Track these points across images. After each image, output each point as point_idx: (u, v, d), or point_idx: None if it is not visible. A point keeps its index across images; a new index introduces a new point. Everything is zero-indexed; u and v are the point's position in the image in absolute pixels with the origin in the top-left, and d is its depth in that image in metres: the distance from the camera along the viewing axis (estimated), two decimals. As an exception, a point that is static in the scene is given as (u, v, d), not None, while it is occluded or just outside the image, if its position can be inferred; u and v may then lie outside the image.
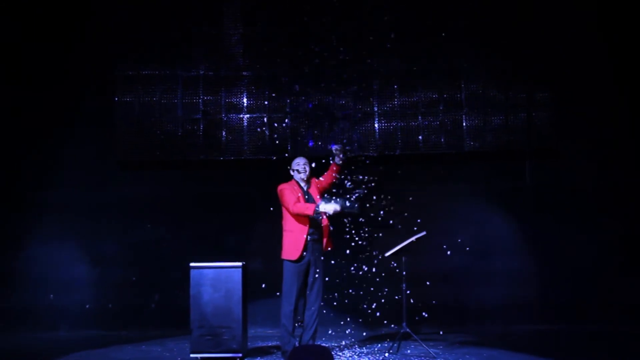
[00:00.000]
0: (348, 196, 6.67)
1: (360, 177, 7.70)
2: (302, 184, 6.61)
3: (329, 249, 6.61)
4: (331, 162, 6.71)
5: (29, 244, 8.50)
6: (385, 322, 8.03)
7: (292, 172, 6.67)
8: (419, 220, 7.76)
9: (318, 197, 6.59)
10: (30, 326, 8.30)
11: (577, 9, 8.41)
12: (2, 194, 8.51)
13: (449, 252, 8.24)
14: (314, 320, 6.53)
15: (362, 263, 8.18)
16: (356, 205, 6.68)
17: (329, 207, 6.36)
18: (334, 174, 6.67)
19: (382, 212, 8.10)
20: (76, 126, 8.56)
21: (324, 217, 6.52)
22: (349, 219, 7.73)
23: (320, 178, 6.73)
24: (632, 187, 8.36)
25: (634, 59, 8.32)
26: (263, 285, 7.66)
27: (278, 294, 6.61)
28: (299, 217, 6.45)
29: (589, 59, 8.44)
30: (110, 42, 8.51)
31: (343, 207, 6.45)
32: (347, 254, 8.00)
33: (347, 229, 7.96)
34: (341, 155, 6.58)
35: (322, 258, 6.60)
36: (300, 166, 6.61)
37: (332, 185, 6.74)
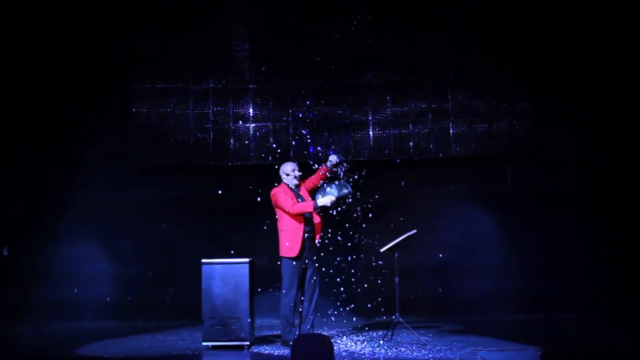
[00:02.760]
0: (336, 182, 6.61)
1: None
2: (293, 187, 6.63)
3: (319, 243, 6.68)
4: (325, 165, 6.74)
5: (56, 242, 8.52)
6: (380, 312, 8.04)
7: (285, 177, 6.67)
8: (401, 219, 7.80)
9: (309, 198, 6.62)
10: (56, 317, 8.33)
11: (553, 26, 8.44)
12: (32, 197, 8.54)
13: (440, 255, 8.28)
14: (312, 312, 6.57)
15: (357, 258, 8.21)
16: (345, 185, 6.55)
17: (326, 200, 6.37)
18: (322, 176, 6.70)
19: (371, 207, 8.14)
20: (98, 134, 8.60)
21: (316, 213, 6.55)
22: (340, 209, 7.67)
23: (315, 179, 6.76)
24: (604, 189, 8.40)
25: (605, 72, 8.37)
26: (268, 280, 7.73)
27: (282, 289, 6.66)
28: (296, 217, 6.46)
29: (565, 71, 8.47)
30: (129, 59, 8.55)
31: (338, 193, 6.45)
32: (344, 250, 8.03)
33: (341, 224, 7.98)
34: (334, 162, 6.62)
35: (315, 256, 6.64)
36: (295, 171, 6.65)
37: (318, 186, 6.78)
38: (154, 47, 8.56)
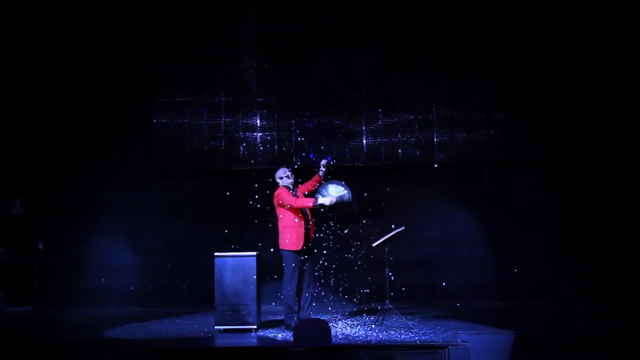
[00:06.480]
0: (339, 185, 6.60)
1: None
2: (291, 188, 6.66)
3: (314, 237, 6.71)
4: (318, 174, 6.74)
5: (87, 238, 8.57)
6: (371, 300, 8.09)
7: (280, 181, 6.68)
8: (390, 217, 7.81)
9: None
10: (86, 304, 8.39)
11: (525, 48, 8.52)
12: (67, 197, 8.61)
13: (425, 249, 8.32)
14: (310, 300, 6.59)
15: (352, 252, 8.24)
16: (349, 194, 6.56)
17: (326, 200, 6.39)
18: (315, 183, 6.73)
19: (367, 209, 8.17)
20: (124, 143, 8.67)
21: (313, 210, 6.56)
22: (336, 212, 7.70)
23: (310, 185, 6.78)
24: (568, 191, 8.45)
25: (569, 88, 8.46)
26: (274, 275, 7.76)
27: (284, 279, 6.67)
28: (297, 215, 6.47)
29: (536, 87, 8.53)
30: (150, 77, 8.62)
31: (337, 197, 6.47)
32: (341, 244, 8.05)
33: (338, 222, 8.01)
34: (324, 169, 6.63)
35: (312, 250, 6.66)
36: (288, 173, 6.69)
37: (311, 191, 6.80)
38: (173, 66, 8.63)
